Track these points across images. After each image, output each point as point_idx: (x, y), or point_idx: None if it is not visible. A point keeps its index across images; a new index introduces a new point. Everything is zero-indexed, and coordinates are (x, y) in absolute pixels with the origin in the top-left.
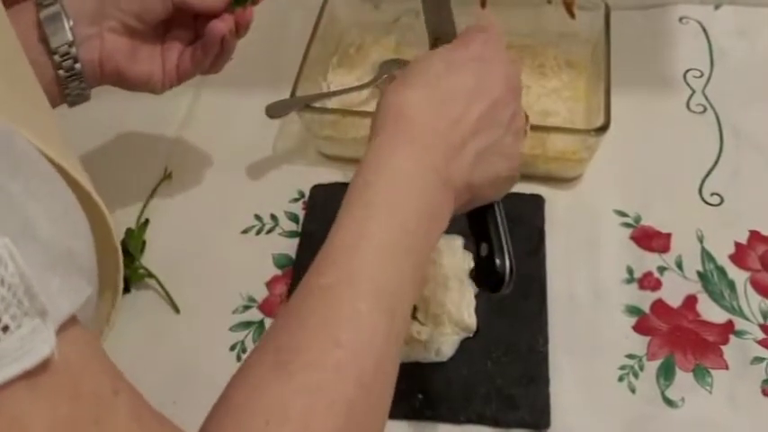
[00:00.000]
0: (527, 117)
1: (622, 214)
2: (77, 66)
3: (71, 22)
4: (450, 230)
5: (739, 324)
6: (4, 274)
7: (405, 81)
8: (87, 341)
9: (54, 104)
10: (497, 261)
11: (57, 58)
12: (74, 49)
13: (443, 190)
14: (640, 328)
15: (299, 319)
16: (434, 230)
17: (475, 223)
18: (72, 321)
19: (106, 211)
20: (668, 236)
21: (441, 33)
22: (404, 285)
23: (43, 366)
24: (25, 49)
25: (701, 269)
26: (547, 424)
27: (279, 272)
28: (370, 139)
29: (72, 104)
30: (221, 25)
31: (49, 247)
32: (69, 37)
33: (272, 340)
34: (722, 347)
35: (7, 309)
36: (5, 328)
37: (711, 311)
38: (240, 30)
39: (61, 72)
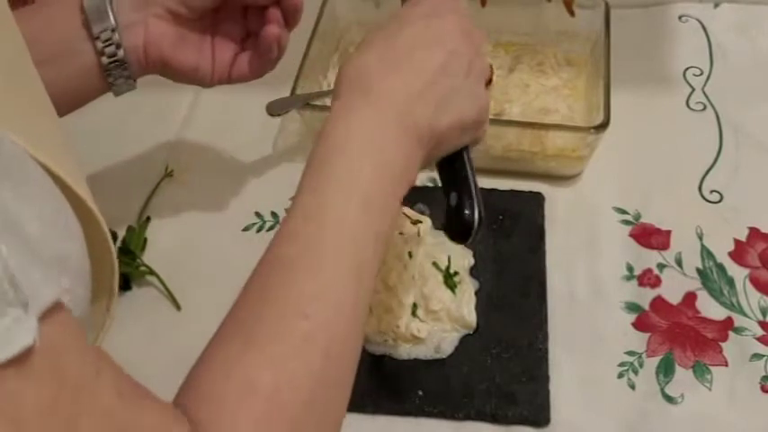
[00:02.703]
0: (492, 68)
1: (622, 212)
2: (120, 52)
3: (115, 8)
4: None
5: (738, 321)
6: None
7: (359, 48)
8: (70, 325)
9: (98, 93)
10: (467, 211)
11: (99, 44)
12: (116, 35)
13: (406, 138)
14: (640, 324)
15: (265, 291)
16: (401, 183)
17: (444, 172)
18: (56, 307)
19: (101, 217)
20: (668, 233)
21: None
22: (367, 250)
23: (28, 352)
24: (68, 34)
25: (700, 266)
26: (546, 420)
27: None
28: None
29: (117, 93)
30: (274, 30)
31: (36, 245)
32: (112, 22)
33: (240, 313)
34: (721, 344)
35: None
36: None
37: (711, 308)
38: (290, 19)
39: (104, 59)
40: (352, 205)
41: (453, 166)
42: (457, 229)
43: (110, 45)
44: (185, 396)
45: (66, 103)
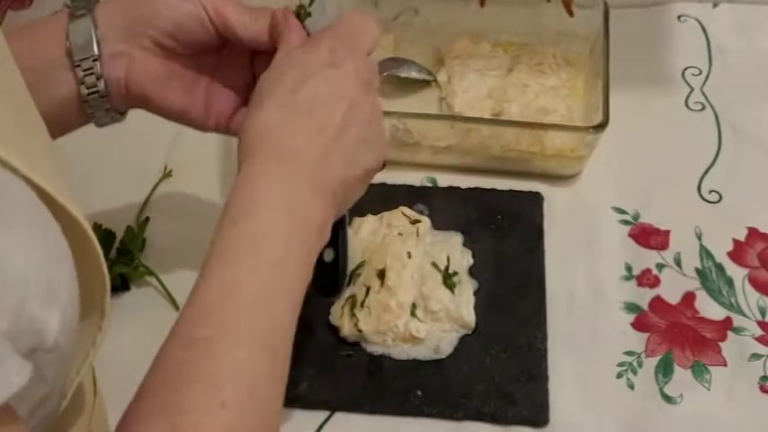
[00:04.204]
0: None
1: (621, 211)
2: (101, 84)
3: (100, 37)
4: (450, 227)
5: (737, 321)
6: None
7: (260, 102)
8: None
9: (79, 123)
10: (341, 269)
11: (79, 72)
12: (98, 66)
13: (317, 200)
14: (639, 324)
15: (183, 376)
16: (314, 245)
17: None
18: (5, 414)
19: (94, 236)
20: (667, 233)
21: None
22: (281, 318)
23: None
24: (50, 61)
25: (699, 266)
26: (545, 420)
27: None
28: (238, 168)
29: (100, 125)
30: None
31: (22, 278)
32: (95, 51)
33: (159, 397)
34: (720, 344)
35: None
36: None
37: (710, 308)
38: None
39: (83, 89)
40: (265, 275)
41: (334, 225)
42: (328, 284)
43: (90, 75)
44: None
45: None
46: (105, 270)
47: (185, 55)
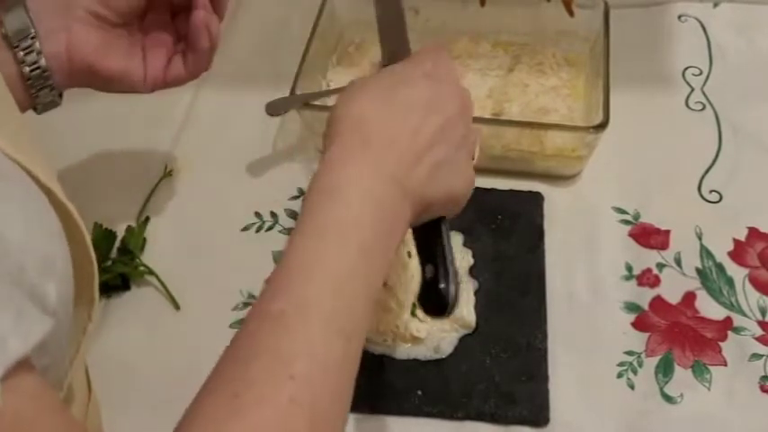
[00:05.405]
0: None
1: (621, 211)
2: (42, 61)
3: (33, 15)
4: (450, 227)
5: (738, 321)
6: None
7: (359, 91)
8: (41, 388)
9: (21, 108)
10: (442, 285)
11: (19, 52)
12: (37, 43)
13: (401, 199)
14: (639, 324)
15: (251, 349)
16: (392, 242)
17: (420, 241)
18: (25, 366)
19: (79, 218)
20: (667, 233)
21: (395, 56)
22: (358, 307)
23: None
24: None
25: (699, 266)
26: (546, 420)
27: None
28: (323, 151)
29: (41, 110)
30: (200, 14)
31: (20, 250)
32: (31, 29)
33: (226, 371)
34: (720, 344)
35: None
36: None
37: (710, 308)
38: (217, 7)
39: (25, 68)
40: (348, 259)
41: (430, 236)
42: (433, 303)
43: (30, 53)
44: None
45: None
46: (93, 258)
47: (117, 24)
